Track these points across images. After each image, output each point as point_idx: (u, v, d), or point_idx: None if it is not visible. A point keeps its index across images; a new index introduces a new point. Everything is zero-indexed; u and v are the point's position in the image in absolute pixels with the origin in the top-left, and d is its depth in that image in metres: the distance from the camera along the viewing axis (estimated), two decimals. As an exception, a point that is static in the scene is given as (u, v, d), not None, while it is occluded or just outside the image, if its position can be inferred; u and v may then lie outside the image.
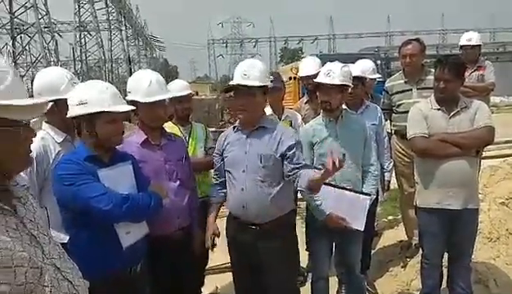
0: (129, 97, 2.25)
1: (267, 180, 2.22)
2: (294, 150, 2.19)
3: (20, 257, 0.95)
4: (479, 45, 4.18)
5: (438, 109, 2.59)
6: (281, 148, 2.20)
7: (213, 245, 2.51)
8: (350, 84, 2.61)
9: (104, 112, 1.80)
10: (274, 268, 2.27)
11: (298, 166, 2.15)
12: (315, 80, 2.69)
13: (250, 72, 2.19)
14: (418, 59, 3.57)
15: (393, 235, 4.36)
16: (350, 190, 2.51)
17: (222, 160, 2.39)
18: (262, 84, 2.20)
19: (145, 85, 2.21)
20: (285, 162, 2.19)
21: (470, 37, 4.15)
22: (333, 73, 2.51)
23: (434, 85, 2.61)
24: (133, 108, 2.02)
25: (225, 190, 2.44)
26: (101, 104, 1.81)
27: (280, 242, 2.26)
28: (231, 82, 2.27)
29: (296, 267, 2.51)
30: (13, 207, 1.03)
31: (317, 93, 2.64)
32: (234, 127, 2.38)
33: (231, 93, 2.31)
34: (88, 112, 1.80)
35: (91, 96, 1.81)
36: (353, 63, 3.34)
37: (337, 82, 2.50)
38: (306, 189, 2.06)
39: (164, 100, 2.31)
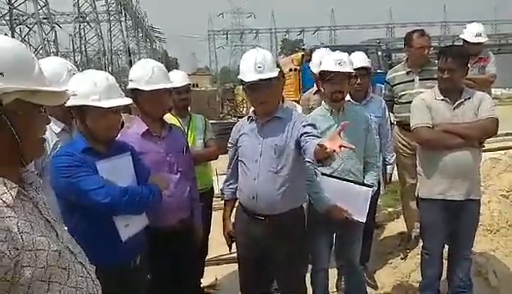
0: (131, 85, 2.21)
1: (281, 171, 2.18)
2: (306, 127, 2.11)
3: (40, 241, 0.97)
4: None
5: (442, 100, 2.57)
6: (294, 133, 2.16)
7: (231, 244, 2.52)
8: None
9: (92, 106, 1.76)
10: (281, 261, 2.25)
11: (310, 134, 2.06)
12: (322, 69, 2.60)
13: (264, 64, 2.10)
14: (429, 50, 3.60)
15: (393, 227, 4.36)
16: (352, 182, 2.50)
17: (236, 150, 2.36)
18: (277, 74, 2.13)
19: (148, 73, 2.18)
20: (301, 139, 2.10)
21: (479, 32, 3.83)
22: (344, 62, 2.49)
23: (438, 75, 2.59)
24: (127, 102, 1.94)
25: (236, 185, 2.41)
26: (88, 98, 1.76)
27: (290, 235, 2.21)
28: (248, 79, 2.12)
29: (304, 261, 2.43)
30: (27, 192, 1.05)
31: (324, 83, 2.57)
32: (248, 118, 2.34)
33: (245, 86, 2.19)
34: (76, 104, 1.76)
35: (81, 88, 1.77)
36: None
37: (349, 69, 2.51)
38: (313, 160, 1.94)
39: (167, 88, 2.28)
